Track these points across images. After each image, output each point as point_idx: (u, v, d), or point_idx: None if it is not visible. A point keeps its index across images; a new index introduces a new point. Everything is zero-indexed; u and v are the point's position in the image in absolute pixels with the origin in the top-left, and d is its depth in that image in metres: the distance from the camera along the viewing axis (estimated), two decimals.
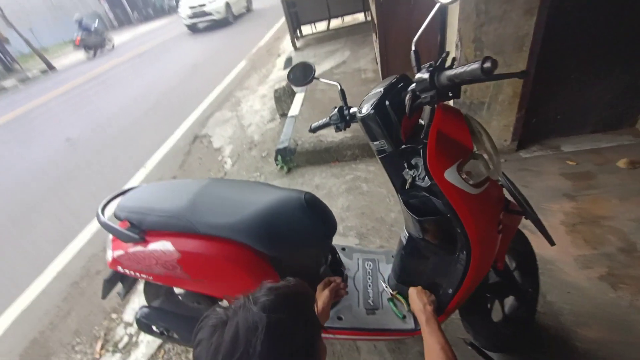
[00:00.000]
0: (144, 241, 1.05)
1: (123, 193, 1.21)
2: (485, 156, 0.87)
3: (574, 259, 1.56)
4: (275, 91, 3.63)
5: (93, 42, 10.69)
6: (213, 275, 1.05)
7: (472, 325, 1.19)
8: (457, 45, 1.83)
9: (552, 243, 0.99)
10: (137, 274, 1.12)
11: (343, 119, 1.11)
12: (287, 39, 6.24)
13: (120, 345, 1.74)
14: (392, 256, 1.40)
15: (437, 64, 0.77)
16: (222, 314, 0.53)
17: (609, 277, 1.46)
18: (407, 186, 0.95)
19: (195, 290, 1.14)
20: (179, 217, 1.03)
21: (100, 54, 11.00)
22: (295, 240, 1.05)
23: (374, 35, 3.35)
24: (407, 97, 0.84)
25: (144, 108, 5.25)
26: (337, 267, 1.36)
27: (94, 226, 2.72)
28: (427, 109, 0.92)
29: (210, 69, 6.67)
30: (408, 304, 1.15)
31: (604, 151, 2.07)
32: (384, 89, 0.91)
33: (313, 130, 1.25)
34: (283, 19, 6.24)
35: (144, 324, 1.25)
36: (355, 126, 1.23)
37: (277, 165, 2.70)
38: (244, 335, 0.48)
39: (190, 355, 1.55)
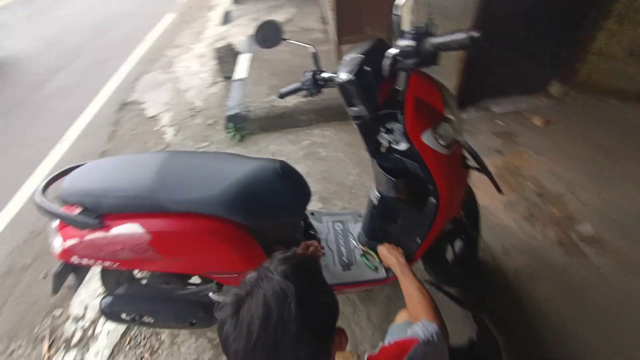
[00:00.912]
0: (103, 226, 0.95)
1: (66, 172, 1.04)
2: (452, 119, 0.95)
3: (502, 204, 1.85)
4: (217, 50, 3.31)
5: None
6: (191, 252, 1.00)
7: (432, 268, 1.38)
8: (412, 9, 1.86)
9: (500, 191, 1.16)
10: (98, 262, 1.01)
11: (316, 84, 1.08)
12: None
13: (74, 341, 1.60)
14: (359, 216, 1.50)
15: (423, 30, 0.78)
16: (238, 291, 0.53)
17: (528, 217, 1.78)
18: (382, 150, 1.00)
19: (169, 270, 1.08)
20: (145, 196, 0.94)
21: None
22: (274, 210, 1.05)
23: None
24: (389, 62, 0.86)
25: (50, 68, 4.34)
26: (309, 232, 1.41)
27: (7, 214, 2.31)
28: (402, 74, 0.94)
29: (130, 20, 5.68)
30: (379, 257, 1.26)
31: (524, 112, 2.39)
32: (364, 54, 0.91)
33: (282, 96, 1.20)
34: None
35: (110, 313, 1.16)
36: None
37: (228, 133, 2.55)
38: (275, 303, 0.49)
39: (162, 337, 1.50)
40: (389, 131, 0.98)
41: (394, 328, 0.99)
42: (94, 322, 1.64)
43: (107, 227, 0.95)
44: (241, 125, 2.51)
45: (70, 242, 0.98)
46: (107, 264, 1.01)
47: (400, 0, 0.81)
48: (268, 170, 1.02)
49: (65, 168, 1.06)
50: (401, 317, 1.02)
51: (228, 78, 3.51)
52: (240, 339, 0.48)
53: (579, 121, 2.22)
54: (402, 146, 0.94)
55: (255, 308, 0.49)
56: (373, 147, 1.04)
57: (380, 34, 2.59)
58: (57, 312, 1.72)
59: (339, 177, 2.08)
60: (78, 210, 0.95)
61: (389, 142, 0.97)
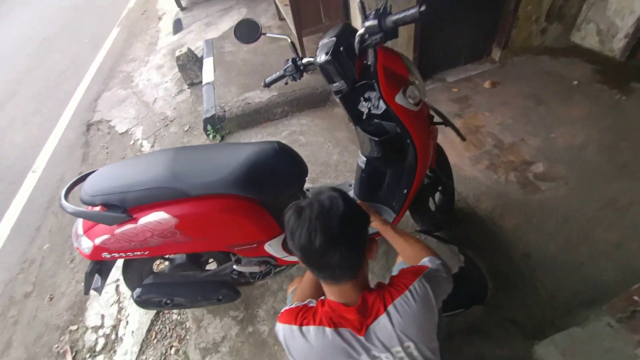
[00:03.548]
0: (131, 218, 1.05)
1: (82, 179, 1.13)
2: (417, 82, 1.15)
3: (468, 159, 2.11)
4: (178, 59, 3.32)
5: None
6: (214, 230, 1.13)
7: (419, 217, 1.59)
8: None
9: (463, 139, 1.39)
10: (129, 254, 1.11)
11: (298, 69, 1.23)
12: None
13: (98, 348, 1.65)
14: (349, 185, 1.68)
15: (381, 10, 0.96)
16: (299, 204, 0.72)
17: (491, 166, 2.05)
18: (364, 117, 1.17)
19: (197, 249, 1.20)
20: (165, 186, 1.05)
21: None
22: (278, 183, 1.20)
23: None
24: (357, 40, 1.03)
25: None
26: None
27: None
28: (370, 51, 1.12)
29: (73, 40, 5.45)
30: None
31: (474, 77, 2.68)
32: (336, 37, 1.07)
33: (267, 85, 1.34)
34: None
35: (145, 301, 1.26)
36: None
37: (208, 135, 2.62)
38: (329, 202, 0.70)
39: (188, 324, 1.60)
40: (367, 99, 1.16)
41: (397, 267, 1.15)
42: (115, 327, 1.70)
43: (134, 219, 1.05)
44: (219, 125, 2.60)
45: (100, 239, 1.07)
46: (138, 253, 1.11)
47: None
48: (268, 150, 1.17)
49: (81, 175, 1.14)
50: (400, 257, 1.19)
51: (193, 84, 3.54)
52: (303, 229, 0.67)
53: (518, 79, 2.55)
54: (380, 109, 1.12)
55: (315, 207, 0.69)
56: (355, 116, 1.21)
57: (336, 23, 2.77)
58: (73, 327, 1.76)
59: (323, 159, 2.25)
60: (104, 208, 1.04)
61: (369, 109, 1.15)
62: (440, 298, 0.79)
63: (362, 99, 1.16)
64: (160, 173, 1.07)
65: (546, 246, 1.62)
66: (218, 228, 1.13)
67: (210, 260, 1.57)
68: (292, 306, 0.82)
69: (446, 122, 1.32)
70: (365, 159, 1.36)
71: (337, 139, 2.39)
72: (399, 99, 1.07)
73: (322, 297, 0.81)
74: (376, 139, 1.18)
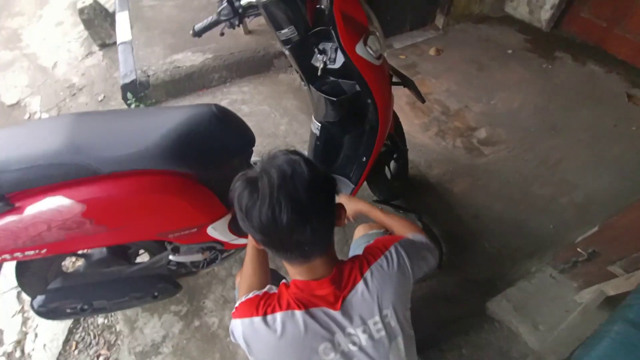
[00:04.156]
0: (14, 208, 0.76)
1: None
2: (377, 33, 1.01)
3: (419, 126, 2.11)
4: (81, 12, 2.70)
5: None
6: (139, 215, 0.89)
7: (377, 187, 1.52)
8: None
9: (423, 101, 1.32)
10: (17, 255, 0.83)
11: (235, 13, 1.00)
12: None
13: None
14: None
15: None
16: (250, 175, 0.59)
17: (439, 133, 2.07)
18: (319, 73, 1.01)
19: (118, 241, 0.95)
20: (62, 162, 0.78)
21: None
22: (219, 153, 1.00)
23: None
24: None
25: None
26: None
27: None
28: None
29: None
30: None
31: (419, 44, 2.66)
32: None
33: (198, 34, 1.08)
34: None
35: (50, 311, 0.99)
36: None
37: (128, 105, 2.19)
38: (289, 167, 0.57)
39: (118, 327, 1.35)
40: (322, 52, 0.98)
41: (355, 243, 1.05)
42: (20, 342, 1.37)
43: (18, 209, 0.77)
44: (143, 93, 2.18)
45: None
46: (31, 253, 0.83)
47: None
48: (204, 114, 0.94)
49: None
50: (359, 232, 1.08)
51: (105, 45, 2.95)
52: (263, 205, 0.54)
53: (461, 46, 2.59)
54: (339, 63, 0.97)
55: (272, 177, 0.55)
56: (308, 73, 1.04)
57: None
58: None
59: (270, 129, 2.05)
60: None
61: (324, 63, 0.99)
62: (418, 268, 0.73)
63: (315, 50, 0.98)
64: (55, 144, 0.79)
65: (492, 206, 1.69)
66: (145, 213, 0.89)
67: (142, 251, 1.32)
68: (249, 296, 0.69)
69: (405, 83, 1.22)
70: (319, 124, 1.21)
71: (284, 108, 2.18)
72: (359, 49, 0.93)
73: (284, 281, 0.71)
74: (333, 99, 1.03)
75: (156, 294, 1.12)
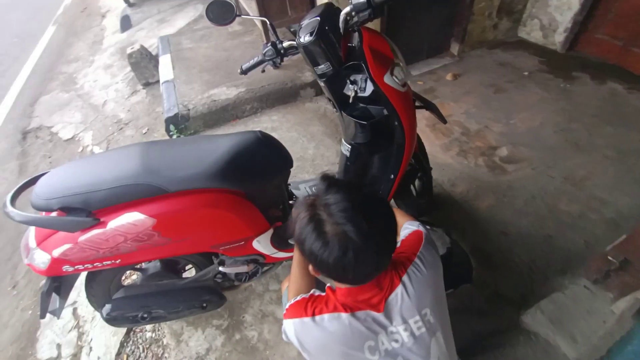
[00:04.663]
0: (99, 222, 0.91)
1: (33, 181, 0.96)
2: (401, 64, 1.14)
3: (440, 147, 2.19)
4: (130, 56, 3.06)
5: None
6: (197, 229, 1.02)
7: (403, 204, 1.59)
8: None
9: (444, 122, 1.41)
10: (97, 264, 0.96)
11: (278, 53, 1.16)
12: None
13: None
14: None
15: None
16: (312, 212, 0.63)
17: (461, 153, 2.13)
18: (350, 100, 1.14)
19: (179, 252, 1.07)
20: (138, 182, 0.93)
21: None
22: (264, 173, 1.12)
23: None
24: (342, 19, 1.00)
25: None
26: (291, 200, 1.50)
27: None
28: (355, 35, 1.09)
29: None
30: None
31: (436, 70, 2.80)
32: (320, 17, 1.03)
33: (245, 72, 1.25)
34: None
35: (117, 317, 1.10)
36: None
37: (171, 136, 2.43)
38: (352, 205, 0.61)
39: (165, 341, 1.44)
40: (353, 82, 1.12)
41: None
42: (76, 356, 1.48)
43: (102, 223, 0.91)
44: (183, 125, 2.42)
45: (60, 250, 0.91)
46: (108, 263, 0.96)
47: None
48: (251, 139, 1.09)
49: (32, 177, 0.97)
50: None
51: (149, 84, 3.29)
52: (331, 251, 0.60)
53: (477, 71, 2.70)
54: (368, 91, 1.10)
55: (339, 219, 0.60)
56: (341, 101, 1.17)
57: (303, 14, 2.73)
58: None
59: (299, 154, 2.19)
60: (63, 213, 0.89)
61: (356, 92, 1.12)
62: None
63: (348, 81, 1.12)
64: (131, 168, 0.95)
65: (519, 223, 1.71)
66: (203, 226, 1.02)
67: (188, 267, 1.44)
68: (297, 299, 0.77)
69: (427, 106, 1.33)
70: (349, 146, 1.32)
71: (311, 133, 2.34)
72: (387, 79, 1.05)
73: (329, 285, 0.77)
74: (364, 122, 1.15)
75: (205, 304, 1.22)
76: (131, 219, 0.92)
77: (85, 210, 0.90)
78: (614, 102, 2.30)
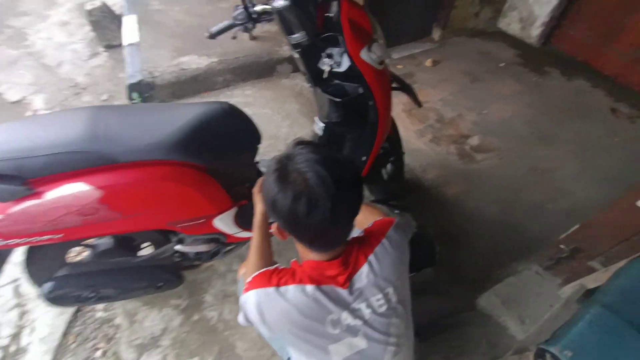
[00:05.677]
0: (34, 193, 0.81)
1: None
2: (380, 41, 1.09)
3: (414, 132, 2.19)
4: (89, 13, 2.76)
5: None
6: (153, 203, 0.94)
7: (374, 187, 1.59)
8: None
9: (420, 105, 1.39)
10: (34, 239, 0.87)
11: (250, 18, 1.07)
12: None
13: None
14: None
15: None
16: (282, 168, 0.63)
17: (434, 139, 2.15)
18: (325, 75, 1.08)
19: (129, 229, 0.99)
20: (85, 149, 0.83)
21: None
22: (227, 148, 1.05)
23: None
24: None
25: None
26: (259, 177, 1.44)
27: None
28: (333, 4, 1.02)
29: None
30: None
31: (417, 55, 2.77)
32: None
33: (213, 36, 1.14)
34: None
35: (59, 297, 1.02)
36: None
37: (133, 104, 2.24)
38: (324, 164, 0.61)
39: (117, 320, 1.37)
40: (329, 56, 1.06)
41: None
42: (16, 336, 1.38)
43: (38, 194, 0.81)
44: (149, 93, 2.24)
45: None
46: (46, 237, 0.87)
47: None
48: (216, 110, 1.00)
49: None
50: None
51: (111, 47, 3.00)
52: (299, 202, 0.59)
53: (456, 58, 2.71)
54: (344, 66, 1.04)
55: (308, 175, 0.60)
56: (315, 76, 1.11)
57: None
58: None
59: (272, 132, 2.11)
60: None
61: (331, 67, 1.06)
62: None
63: (323, 55, 1.06)
64: (77, 133, 0.84)
65: (484, 209, 1.77)
66: (158, 201, 0.94)
67: (144, 244, 1.35)
68: (261, 270, 0.74)
69: (404, 88, 1.30)
70: (323, 124, 1.27)
71: (286, 111, 2.25)
72: (364, 54, 1.00)
73: (294, 259, 0.76)
74: (338, 100, 1.10)
75: (160, 284, 1.16)
76: (74, 189, 0.82)
77: (20, 177, 0.79)
78: (579, 98, 2.40)
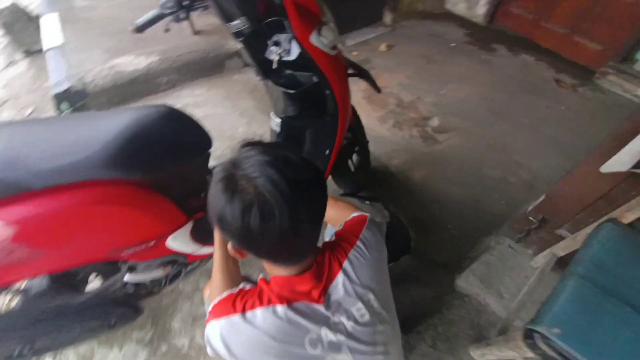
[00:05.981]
0: None
1: None
2: (330, 24, 1.01)
3: (376, 119, 2.16)
4: (1, 16, 2.38)
5: None
6: (84, 234, 0.79)
7: (341, 180, 1.52)
8: None
9: (378, 91, 1.34)
10: None
11: (180, 5, 0.93)
12: None
13: None
14: None
15: None
16: (229, 176, 0.53)
17: (396, 124, 2.13)
18: (274, 65, 0.97)
19: (60, 267, 0.83)
20: None
21: None
22: (172, 157, 0.92)
23: None
24: None
25: None
26: None
27: None
28: None
29: None
30: None
31: (370, 41, 2.73)
32: None
33: (139, 29, 0.99)
34: None
35: None
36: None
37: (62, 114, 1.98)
38: (274, 166, 0.51)
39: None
40: (277, 44, 0.95)
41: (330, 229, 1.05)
42: None
43: None
44: (81, 102, 1.98)
45: None
46: None
47: None
48: (152, 115, 0.86)
49: None
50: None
51: (31, 53, 2.63)
52: (248, 213, 0.50)
53: (409, 41, 2.71)
54: (294, 54, 0.94)
55: (258, 181, 0.50)
56: (264, 67, 1.00)
57: None
58: None
59: (229, 132, 1.96)
60: None
61: (279, 56, 0.96)
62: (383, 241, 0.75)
63: (269, 43, 0.95)
64: None
65: (450, 190, 1.78)
66: (90, 230, 0.79)
67: (92, 275, 1.18)
68: (222, 296, 0.65)
69: (360, 73, 1.23)
70: (279, 120, 1.17)
71: (241, 109, 2.11)
72: (314, 39, 0.91)
73: (262, 276, 0.67)
74: (291, 91, 1.00)
75: (113, 321, 1.01)
76: None
77: None
78: (525, 72, 2.50)
